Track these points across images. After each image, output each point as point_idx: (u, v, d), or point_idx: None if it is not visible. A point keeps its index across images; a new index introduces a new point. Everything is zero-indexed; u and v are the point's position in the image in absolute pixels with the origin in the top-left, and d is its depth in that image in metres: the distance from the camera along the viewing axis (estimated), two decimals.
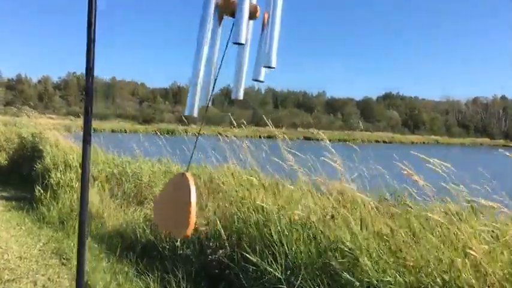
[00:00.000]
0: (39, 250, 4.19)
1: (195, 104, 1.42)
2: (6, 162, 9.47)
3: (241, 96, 1.48)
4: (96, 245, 4.45)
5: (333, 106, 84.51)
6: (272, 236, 3.16)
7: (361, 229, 2.96)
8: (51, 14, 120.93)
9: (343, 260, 2.74)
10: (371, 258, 2.68)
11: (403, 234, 2.85)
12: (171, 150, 6.55)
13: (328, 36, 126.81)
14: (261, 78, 1.49)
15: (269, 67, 1.40)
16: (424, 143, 59.27)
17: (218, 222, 3.48)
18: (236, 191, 4.02)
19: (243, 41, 1.32)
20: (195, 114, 1.43)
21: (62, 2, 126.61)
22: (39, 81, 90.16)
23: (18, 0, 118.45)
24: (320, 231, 3.06)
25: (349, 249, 2.77)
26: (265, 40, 1.41)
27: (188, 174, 1.61)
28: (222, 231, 3.41)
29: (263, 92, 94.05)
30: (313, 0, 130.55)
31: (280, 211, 3.35)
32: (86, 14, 1.18)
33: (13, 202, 6.15)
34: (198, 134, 1.92)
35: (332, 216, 3.23)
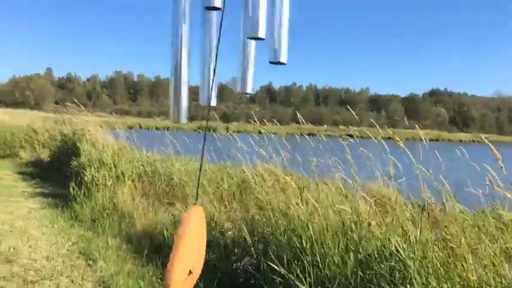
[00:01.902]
0: (68, 250, 4.14)
1: (181, 109, 1.07)
2: (49, 159, 9.71)
3: (249, 89, 1.15)
4: (125, 246, 4.36)
5: (377, 103, 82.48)
6: (302, 244, 2.91)
7: (405, 237, 2.64)
8: (97, 15, 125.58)
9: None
10: (425, 269, 2.34)
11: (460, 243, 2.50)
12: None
13: (375, 34, 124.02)
14: (249, 88, 1.09)
15: (278, 63, 0.95)
16: (473, 141, 56.57)
17: (244, 227, 3.25)
18: (265, 193, 3.79)
19: (217, 4, 0.91)
20: (184, 120, 1.08)
21: (107, 3, 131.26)
22: (88, 80, 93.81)
23: (66, 3, 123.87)
24: (363, 239, 2.75)
25: (401, 258, 2.44)
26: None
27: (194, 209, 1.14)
28: (248, 237, 3.19)
29: (304, 88, 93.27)
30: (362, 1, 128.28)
31: (312, 216, 3.08)
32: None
33: (49, 199, 6.21)
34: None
35: (369, 224, 2.93)
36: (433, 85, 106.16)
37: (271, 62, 0.96)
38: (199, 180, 1.26)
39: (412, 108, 77.69)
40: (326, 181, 4.41)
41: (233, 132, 7.22)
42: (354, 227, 2.82)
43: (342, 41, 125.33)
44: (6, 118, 16.48)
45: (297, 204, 3.31)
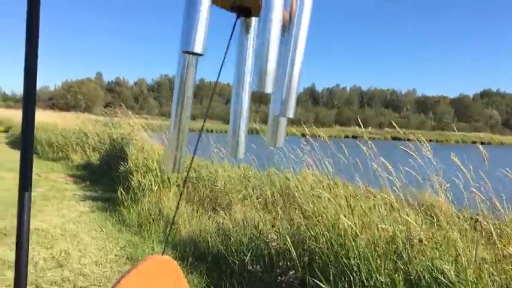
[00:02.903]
0: (115, 255, 4.24)
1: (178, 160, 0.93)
2: (98, 162, 10.04)
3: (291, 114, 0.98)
4: (170, 252, 4.41)
5: (424, 105, 79.85)
6: (349, 259, 2.81)
7: (461, 257, 2.49)
8: (143, 18, 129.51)
9: None
10: None
11: None
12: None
13: (421, 34, 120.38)
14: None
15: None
16: None
17: (288, 239, 3.19)
18: (311, 203, 3.71)
19: (199, 50, 0.79)
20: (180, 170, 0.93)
21: (153, 6, 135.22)
22: (135, 84, 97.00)
23: (115, 7, 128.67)
24: (412, 258, 2.62)
25: (451, 282, 2.30)
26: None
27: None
28: (293, 249, 3.12)
29: (348, 90, 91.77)
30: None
31: (362, 229, 2.97)
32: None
33: (99, 203, 6.41)
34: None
35: (420, 240, 2.79)
36: (484, 86, 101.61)
37: (277, 115, 0.89)
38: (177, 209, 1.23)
39: (462, 110, 74.58)
40: (372, 190, 4.27)
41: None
42: (402, 244, 2.69)
43: (387, 41, 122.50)
44: (60, 121, 17.25)
45: (344, 216, 3.21)
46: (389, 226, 2.87)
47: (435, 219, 3.35)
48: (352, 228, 2.90)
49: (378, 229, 2.92)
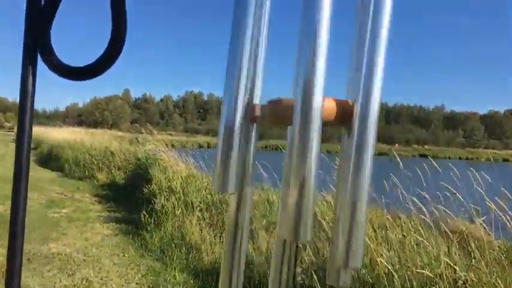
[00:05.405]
0: (137, 283, 4.14)
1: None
2: (123, 181, 10.06)
3: None
4: (192, 281, 4.29)
5: (453, 121, 78.10)
6: None
7: None
8: (170, 34, 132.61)
9: None
10: None
11: None
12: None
13: (449, 49, 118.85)
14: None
15: None
16: None
17: (314, 274, 3.02)
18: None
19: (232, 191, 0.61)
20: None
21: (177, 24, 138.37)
22: (161, 100, 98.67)
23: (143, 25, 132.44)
24: None
25: None
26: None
27: None
28: (318, 286, 2.94)
29: None
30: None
31: (398, 267, 2.78)
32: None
33: (122, 225, 6.36)
34: None
35: (465, 282, 2.57)
36: None
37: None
38: None
39: (493, 127, 72.58)
40: (402, 216, 4.06)
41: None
42: (444, 285, 2.48)
43: (415, 56, 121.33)
44: (87, 139, 17.53)
45: (374, 250, 3.02)
46: (428, 264, 2.67)
47: (476, 253, 3.13)
48: (388, 263, 2.71)
49: (415, 267, 2.72)
